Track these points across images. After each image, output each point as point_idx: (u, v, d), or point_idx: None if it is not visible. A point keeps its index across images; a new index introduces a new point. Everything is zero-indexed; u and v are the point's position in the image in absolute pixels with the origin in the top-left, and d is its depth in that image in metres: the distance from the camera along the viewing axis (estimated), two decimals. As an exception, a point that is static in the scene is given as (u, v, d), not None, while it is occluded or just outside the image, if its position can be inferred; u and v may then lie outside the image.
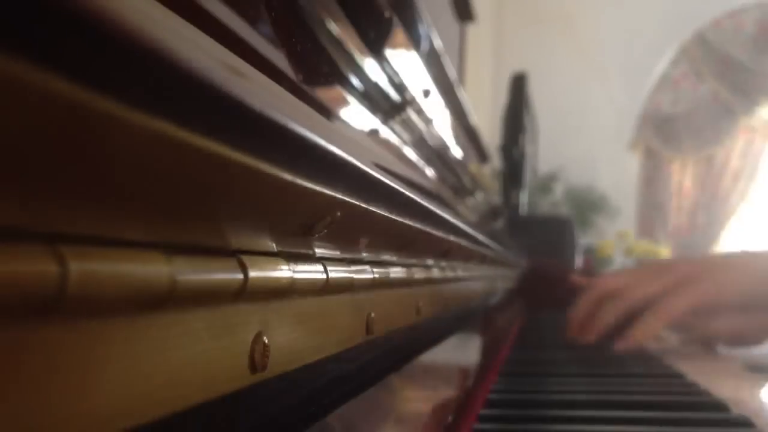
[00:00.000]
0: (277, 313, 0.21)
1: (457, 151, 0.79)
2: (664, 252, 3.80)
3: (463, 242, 0.51)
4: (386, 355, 0.34)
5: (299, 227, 0.22)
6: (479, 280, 0.71)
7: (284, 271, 0.20)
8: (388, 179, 0.26)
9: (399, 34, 0.49)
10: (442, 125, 0.68)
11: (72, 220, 0.12)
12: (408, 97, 0.50)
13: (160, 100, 0.12)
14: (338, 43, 0.36)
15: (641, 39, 3.97)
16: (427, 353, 0.45)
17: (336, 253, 0.26)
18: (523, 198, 2.04)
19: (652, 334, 0.76)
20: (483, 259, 0.69)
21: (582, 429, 0.43)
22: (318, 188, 0.19)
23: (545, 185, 3.87)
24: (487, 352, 0.68)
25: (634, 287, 0.80)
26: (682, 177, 4.09)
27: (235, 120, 0.14)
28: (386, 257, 0.34)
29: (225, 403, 0.17)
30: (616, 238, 3.79)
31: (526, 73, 2.05)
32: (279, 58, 0.26)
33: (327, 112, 0.31)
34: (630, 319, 0.79)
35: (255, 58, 0.23)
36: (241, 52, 0.18)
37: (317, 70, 0.33)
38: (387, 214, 0.28)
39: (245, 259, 0.17)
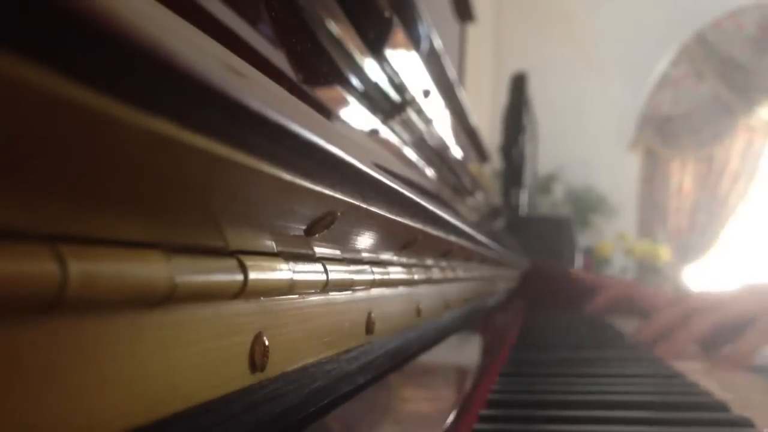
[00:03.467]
0: (277, 313, 0.21)
1: (457, 151, 0.79)
2: (664, 252, 3.80)
3: (463, 242, 0.51)
4: (386, 355, 0.34)
5: (299, 227, 0.22)
6: (479, 281, 0.71)
7: (284, 272, 0.20)
8: (388, 179, 0.26)
9: (399, 34, 0.49)
10: (442, 125, 0.68)
11: (72, 220, 0.12)
12: (408, 97, 0.50)
13: (160, 100, 0.12)
14: (338, 43, 0.36)
15: (641, 39, 3.97)
16: (427, 353, 0.45)
17: (336, 253, 0.26)
18: (523, 198, 2.04)
19: (754, 350, 0.75)
20: (483, 260, 0.69)
21: (582, 429, 0.43)
22: (318, 188, 0.19)
23: (545, 185, 3.87)
24: (488, 352, 0.68)
25: (729, 304, 0.80)
26: (682, 177, 4.09)
27: (234, 120, 0.14)
28: (386, 257, 0.34)
29: (225, 403, 0.17)
30: (615, 239, 3.79)
31: (526, 73, 2.05)
32: (279, 58, 0.26)
33: (327, 112, 0.31)
34: (717, 336, 0.78)
35: (255, 58, 0.23)
36: (241, 52, 0.18)
37: (317, 70, 0.33)
38: (387, 214, 0.28)
39: (245, 259, 0.17)
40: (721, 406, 0.48)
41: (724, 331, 0.78)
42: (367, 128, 0.39)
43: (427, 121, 0.59)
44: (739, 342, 0.75)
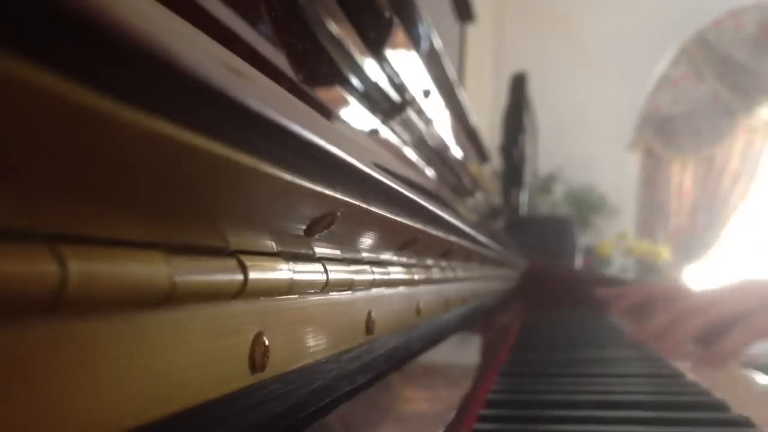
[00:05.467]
0: (277, 313, 0.21)
1: (457, 151, 0.79)
2: (664, 252, 3.80)
3: (463, 242, 0.51)
4: (386, 355, 0.34)
5: (299, 227, 0.22)
6: (479, 280, 0.71)
7: (284, 272, 0.20)
8: (387, 179, 0.26)
9: (399, 34, 0.49)
10: (442, 125, 0.68)
11: (72, 220, 0.12)
12: (408, 97, 0.50)
13: (160, 100, 0.12)
14: (338, 43, 0.36)
15: (641, 39, 3.97)
16: (427, 353, 0.45)
17: (336, 253, 0.26)
18: (523, 198, 2.04)
19: (742, 348, 0.75)
20: (483, 260, 0.69)
21: (582, 429, 0.43)
22: (318, 188, 0.19)
23: (545, 185, 3.87)
24: (487, 353, 0.68)
25: (722, 303, 0.80)
26: (683, 177, 4.09)
27: (234, 120, 0.14)
28: (386, 257, 0.34)
29: (225, 403, 0.17)
30: (615, 239, 3.79)
31: (526, 73, 2.05)
32: (279, 58, 0.26)
33: (327, 112, 0.31)
34: (712, 333, 0.79)
35: (255, 58, 0.23)
36: (241, 52, 0.18)
37: (317, 70, 0.33)
38: (387, 214, 0.28)
39: (245, 259, 0.17)
40: (721, 406, 0.48)
41: (718, 328, 0.79)
42: (367, 128, 0.39)
43: (427, 121, 0.59)
44: (724, 340, 0.75)
